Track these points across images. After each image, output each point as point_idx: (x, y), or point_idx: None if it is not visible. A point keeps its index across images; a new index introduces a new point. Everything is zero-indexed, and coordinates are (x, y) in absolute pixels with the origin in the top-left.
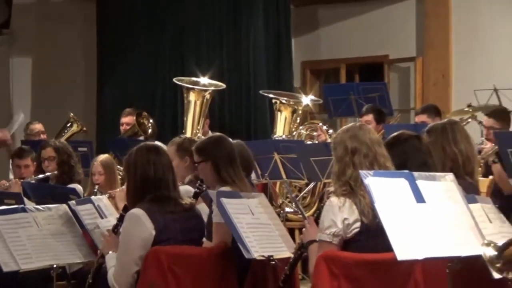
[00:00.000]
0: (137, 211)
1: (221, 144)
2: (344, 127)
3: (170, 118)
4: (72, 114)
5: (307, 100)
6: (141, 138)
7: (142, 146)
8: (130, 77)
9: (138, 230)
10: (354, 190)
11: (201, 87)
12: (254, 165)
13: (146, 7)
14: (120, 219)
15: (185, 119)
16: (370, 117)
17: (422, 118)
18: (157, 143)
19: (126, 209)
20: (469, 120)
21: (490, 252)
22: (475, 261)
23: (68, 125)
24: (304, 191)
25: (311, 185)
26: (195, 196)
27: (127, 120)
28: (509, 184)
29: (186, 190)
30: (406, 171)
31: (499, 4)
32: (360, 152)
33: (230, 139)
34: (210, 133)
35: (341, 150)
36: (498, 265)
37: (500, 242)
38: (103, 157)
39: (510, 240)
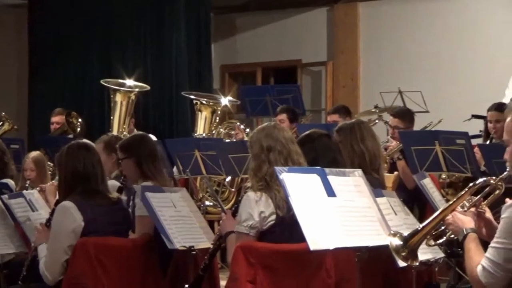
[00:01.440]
0: (67, 203)
1: (143, 142)
2: (260, 126)
3: (98, 118)
4: (3, 113)
5: (225, 101)
6: (70, 136)
7: (73, 144)
8: (60, 79)
9: (68, 221)
10: (269, 185)
11: (127, 89)
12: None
13: (75, 12)
14: (52, 213)
15: (112, 118)
16: (284, 116)
17: (334, 117)
18: (86, 141)
19: (58, 203)
20: (376, 121)
21: (396, 242)
22: (382, 250)
23: (0, 123)
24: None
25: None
26: (119, 190)
27: (57, 119)
28: (413, 179)
29: (112, 184)
30: (318, 167)
31: (403, 12)
32: (275, 150)
33: (152, 137)
34: (135, 132)
35: (257, 148)
36: (403, 254)
37: (405, 233)
38: (34, 153)
39: (415, 230)
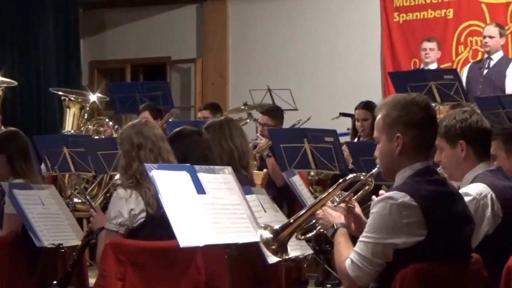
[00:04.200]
0: None
1: (15, 139)
2: (130, 123)
3: None
4: None
5: (94, 97)
6: None
7: None
8: None
9: None
10: (140, 182)
11: None
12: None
13: None
14: None
15: None
16: (146, 114)
17: (205, 113)
18: None
19: None
20: (247, 120)
21: (266, 234)
22: (252, 247)
23: None
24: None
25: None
26: None
27: None
28: (282, 176)
29: None
30: (188, 164)
31: (272, 10)
32: (145, 147)
33: (24, 134)
34: (3, 128)
35: (127, 145)
36: (273, 247)
37: (276, 226)
38: None
39: (285, 223)
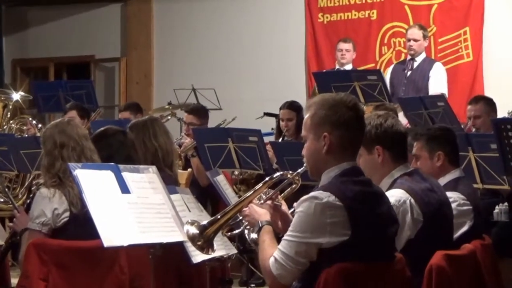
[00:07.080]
0: None
1: None
2: (53, 122)
3: None
4: None
5: (17, 96)
6: None
7: None
8: None
9: None
10: (63, 181)
11: None
12: None
13: None
14: None
15: None
16: (73, 113)
17: (125, 115)
18: None
19: None
20: (169, 117)
21: (193, 230)
22: (176, 247)
23: None
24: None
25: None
26: None
27: None
28: (206, 176)
29: None
30: (112, 163)
31: (197, 10)
32: (68, 146)
33: None
34: None
35: (50, 144)
36: (199, 242)
37: (203, 222)
38: None
39: (212, 220)
